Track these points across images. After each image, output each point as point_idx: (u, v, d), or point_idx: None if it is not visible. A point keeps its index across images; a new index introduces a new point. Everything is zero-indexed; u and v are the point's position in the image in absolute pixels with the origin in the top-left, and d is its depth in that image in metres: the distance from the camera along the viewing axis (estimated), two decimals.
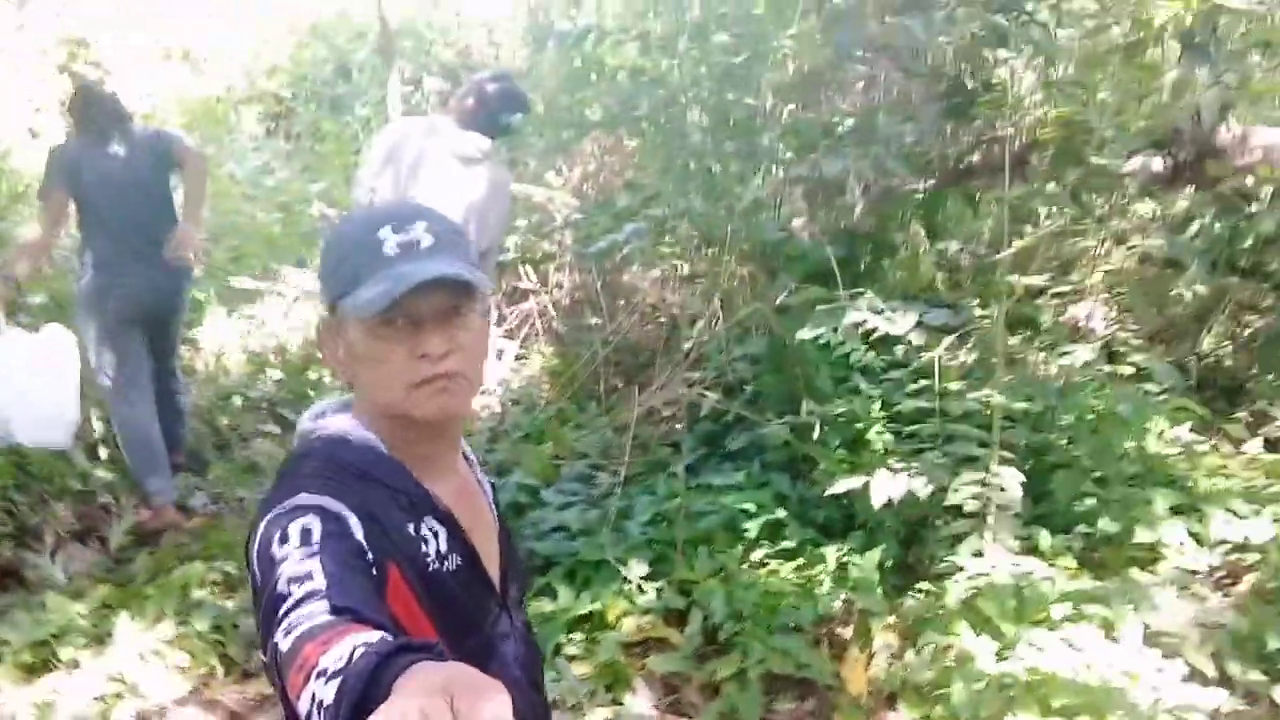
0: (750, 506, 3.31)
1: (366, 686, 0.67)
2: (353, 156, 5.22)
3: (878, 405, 3.74)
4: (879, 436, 3.52)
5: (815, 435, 3.30)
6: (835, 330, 2.68)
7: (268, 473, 4.12)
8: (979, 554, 2.99)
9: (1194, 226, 4.71)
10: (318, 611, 0.84)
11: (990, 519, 2.91)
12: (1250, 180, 4.06)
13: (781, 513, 3.33)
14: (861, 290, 3.06)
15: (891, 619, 2.98)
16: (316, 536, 0.95)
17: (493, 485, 1.31)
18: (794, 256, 3.78)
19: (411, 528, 1.09)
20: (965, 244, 5.12)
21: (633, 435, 3.81)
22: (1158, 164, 3.53)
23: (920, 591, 3.11)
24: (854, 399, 3.56)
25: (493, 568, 1.22)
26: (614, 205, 3.66)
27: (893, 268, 4.46)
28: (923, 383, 3.19)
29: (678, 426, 4.52)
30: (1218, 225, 4.77)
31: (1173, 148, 3.32)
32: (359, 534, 1.00)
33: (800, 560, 3.21)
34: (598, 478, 3.78)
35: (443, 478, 1.16)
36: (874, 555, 3.10)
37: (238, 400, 4.68)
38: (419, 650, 0.71)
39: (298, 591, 0.87)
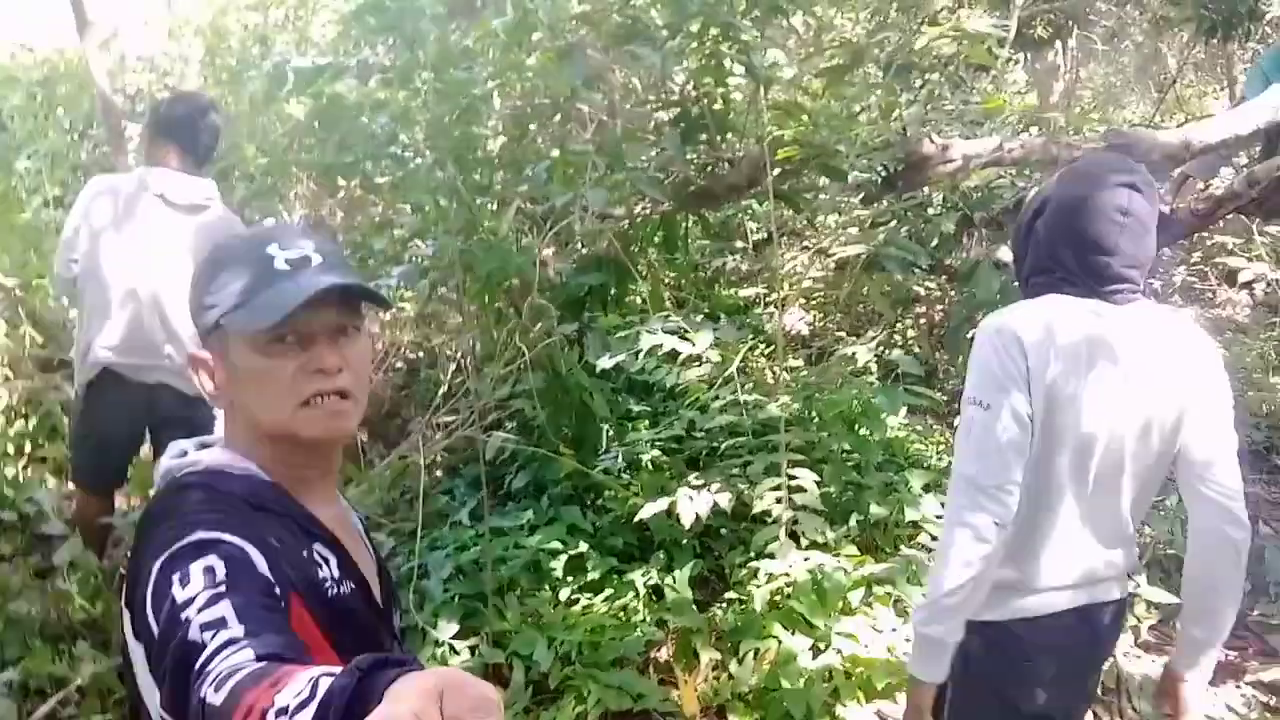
0: (554, 545, 3.22)
1: (351, 704, 0.63)
2: (20, 216, 4.49)
3: (645, 425, 3.82)
4: (649, 455, 3.59)
5: (606, 465, 3.29)
6: (638, 355, 2.68)
7: None
8: (770, 555, 3.10)
9: (883, 233, 5.26)
10: (244, 660, 0.78)
11: (786, 521, 3.03)
12: (932, 188, 4.61)
13: (582, 546, 3.28)
14: (626, 315, 3.11)
15: (709, 634, 3.03)
16: (221, 575, 0.89)
17: (364, 518, 1.29)
18: (549, 289, 3.76)
19: (305, 553, 1.05)
20: (694, 263, 5.38)
21: (409, 487, 3.58)
22: (870, 176, 3.90)
23: (726, 602, 3.18)
24: (630, 424, 3.60)
25: (375, 594, 1.18)
26: (369, 248, 3.43)
27: (636, 292, 4.57)
28: (721, 399, 3.25)
29: (439, 475, 4.34)
30: (904, 229, 5.37)
31: (885, 161, 3.67)
32: (262, 566, 0.95)
33: (608, 591, 3.17)
34: (375, 540, 3.51)
35: (325, 505, 1.14)
36: (684, 574, 3.13)
37: None
38: (399, 664, 0.67)
39: (213, 640, 0.81)
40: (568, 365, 3.57)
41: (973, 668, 1.78)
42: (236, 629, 0.82)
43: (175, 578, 0.89)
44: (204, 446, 1.12)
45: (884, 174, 3.86)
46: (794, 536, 3.10)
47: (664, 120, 3.92)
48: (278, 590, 0.95)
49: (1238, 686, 3.14)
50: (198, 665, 0.80)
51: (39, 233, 4.40)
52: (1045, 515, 1.71)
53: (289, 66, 3.00)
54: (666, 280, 5.39)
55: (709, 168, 4.15)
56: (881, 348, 5.01)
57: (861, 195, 4.09)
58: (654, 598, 3.17)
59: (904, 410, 4.23)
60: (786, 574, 3.06)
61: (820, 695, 2.74)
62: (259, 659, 0.78)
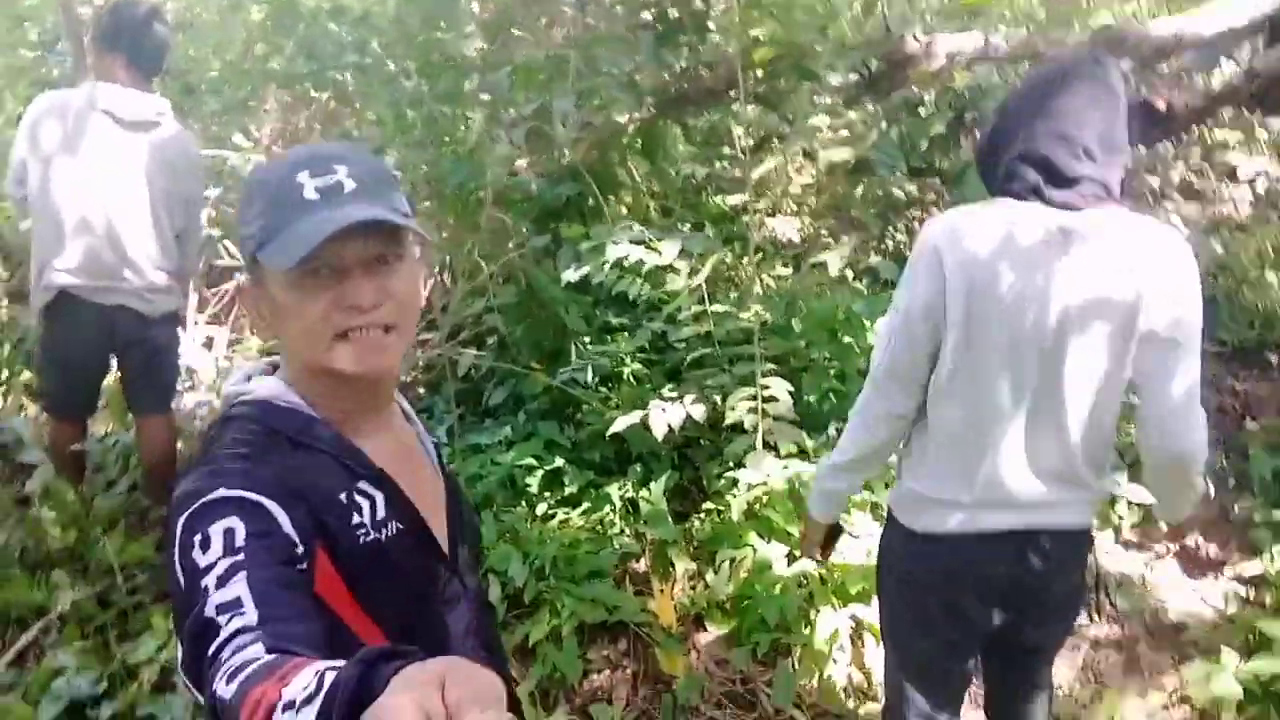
0: (530, 461, 3.20)
1: (356, 695, 0.63)
2: None
3: (625, 338, 3.76)
4: (630, 368, 3.54)
5: (580, 377, 3.24)
6: (604, 267, 2.60)
7: None
8: (741, 465, 3.07)
9: (874, 135, 5.11)
10: (255, 653, 0.78)
11: (761, 431, 2.99)
12: (921, 88, 4.46)
13: (559, 461, 3.26)
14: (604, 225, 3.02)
15: (685, 545, 3.02)
16: (240, 539, 0.89)
17: (436, 444, 1.24)
18: (522, 200, 3.66)
19: (344, 495, 1.03)
20: (677, 171, 5.24)
21: None
22: (853, 77, 3.76)
23: (704, 512, 3.17)
24: (610, 336, 3.54)
25: (439, 530, 1.15)
26: None
27: (617, 202, 4.46)
28: (694, 309, 3.18)
29: (421, 391, 4.30)
30: (894, 131, 5.22)
31: (866, 60, 3.53)
32: (285, 524, 0.94)
33: (585, 505, 3.16)
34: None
35: (377, 437, 1.10)
36: (659, 486, 3.11)
37: None
38: (404, 655, 0.67)
39: (228, 625, 0.81)
40: (542, 279, 3.50)
41: (906, 575, 1.82)
42: (251, 614, 0.82)
43: (196, 540, 0.89)
44: (273, 369, 1.11)
45: (867, 75, 3.73)
46: (772, 446, 3.08)
47: (643, 22, 3.77)
48: (300, 549, 0.94)
49: (1217, 579, 3.14)
50: (211, 651, 0.80)
51: (3, 151, 4.29)
52: (977, 432, 1.66)
53: None
54: (652, 190, 5.27)
55: (686, 72, 4.02)
56: (857, 254, 4.93)
57: (846, 98, 3.94)
58: (631, 511, 3.16)
59: None
60: (764, 484, 3.04)
61: (795, 601, 2.75)
62: (270, 650, 0.78)
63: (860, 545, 2.87)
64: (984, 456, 1.67)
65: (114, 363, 3.18)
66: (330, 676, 0.67)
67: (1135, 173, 6.20)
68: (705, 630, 2.86)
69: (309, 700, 0.67)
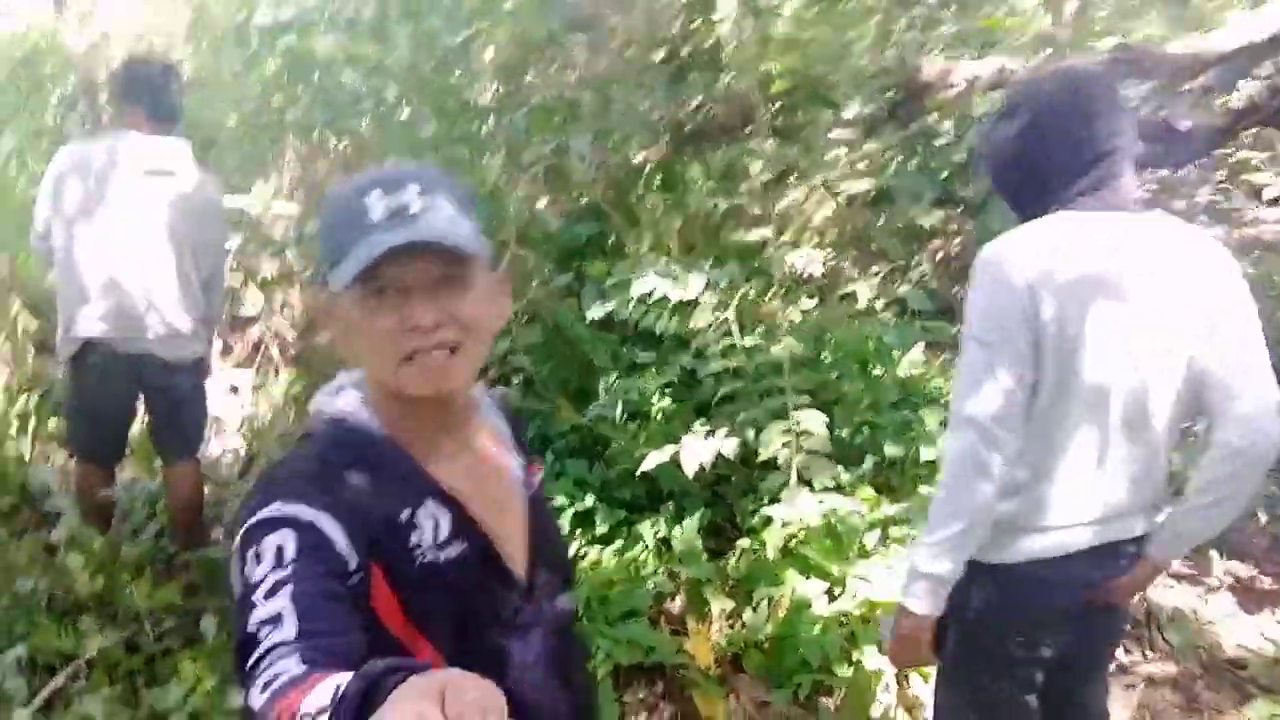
0: (560, 500, 3.15)
1: (359, 707, 0.64)
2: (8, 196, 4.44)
3: (653, 374, 3.72)
4: (658, 405, 3.49)
5: (609, 414, 3.19)
6: (629, 304, 2.57)
7: None
8: (775, 500, 3.01)
9: (893, 166, 5.09)
10: (288, 667, 0.80)
11: (796, 465, 2.93)
12: (940, 116, 4.44)
13: (589, 499, 3.20)
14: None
15: (721, 584, 2.96)
16: (290, 555, 0.91)
17: (522, 464, 1.20)
18: (543, 239, 3.65)
19: (405, 515, 1.02)
20: (698, 207, 5.22)
21: None
22: (871, 107, 3.74)
23: (739, 550, 3.10)
24: (637, 372, 3.50)
25: (514, 554, 1.13)
26: None
27: (638, 239, 4.45)
28: (722, 343, 3.14)
29: None
30: (913, 162, 5.20)
31: (883, 89, 3.51)
32: (339, 542, 0.95)
33: (618, 544, 3.10)
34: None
35: (451, 457, 1.10)
36: (692, 524, 3.05)
37: None
38: (410, 669, 0.66)
39: (267, 639, 0.83)
40: (567, 317, 3.47)
41: (982, 613, 1.71)
42: (290, 629, 0.84)
43: (250, 554, 0.92)
44: (360, 385, 1.12)
45: (886, 105, 3.71)
46: (807, 481, 3.01)
47: (655, 61, 3.78)
48: (353, 565, 0.95)
49: (1275, 612, 3.04)
50: (250, 663, 0.82)
51: (28, 212, 4.34)
52: (1060, 455, 1.61)
53: (253, 25, 2.88)
54: (672, 227, 5.26)
55: (702, 108, 4.01)
56: (885, 284, 4.87)
57: (865, 128, 3.92)
58: (664, 549, 3.09)
59: (921, 346, 4.11)
60: (799, 519, 2.98)
61: (836, 641, 2.67)
62: (304, 663, 0.80)
63: (899, 582, 2.79)
64: (1066, 478, 1.62)
65: (140, 410, 3.17)
66: (346, 684, 0.68)
67: (1161, 195, 6.14)
68: (743, 671, 2.78)
69: (322, 712, 0.68)
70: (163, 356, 3.00)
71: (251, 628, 0.85)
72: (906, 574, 1.69)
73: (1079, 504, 1.64)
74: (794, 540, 3.00)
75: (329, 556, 0.94)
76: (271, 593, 0.87)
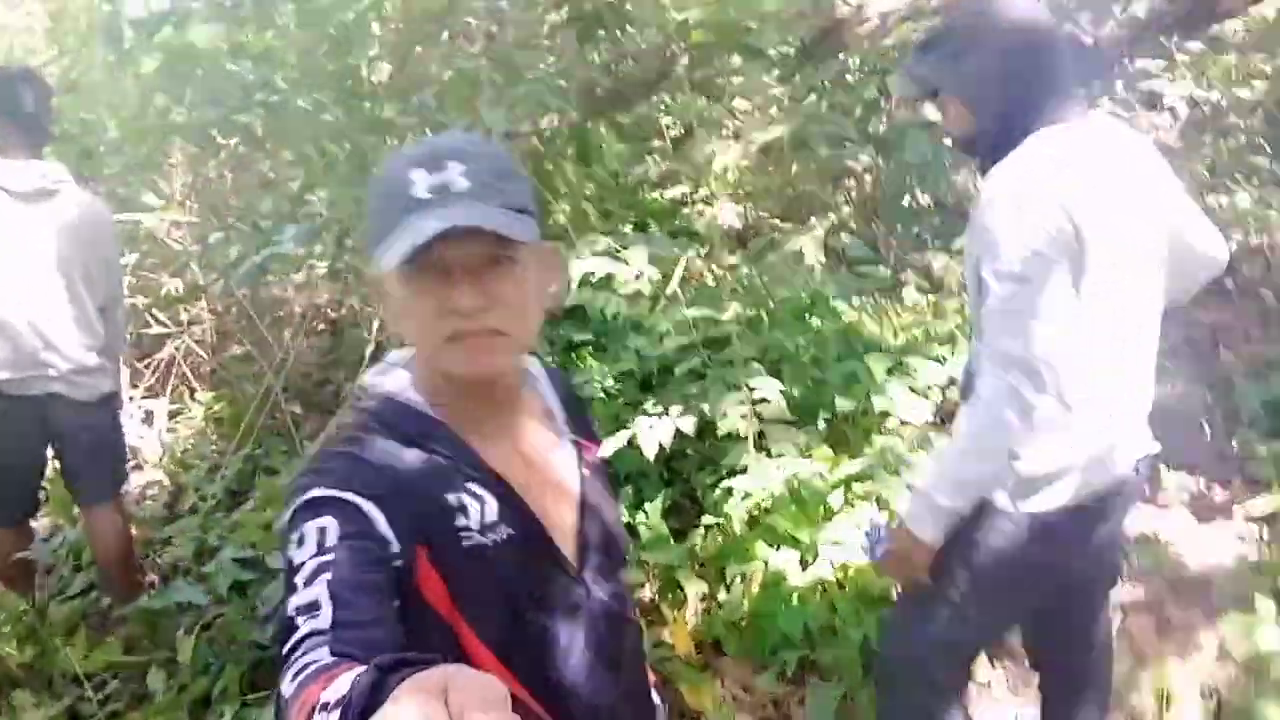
0: None
1: (368, 702, 0.64)
2: None
3: (590, 354, 3.59)
4: (601, 384, 3.37)
5: None
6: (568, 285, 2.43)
7: None
8: (741, 471, 2.94)
9: (806, 109, 5.00)
10: (319, 657, 0.81)
11: (752, 435, 2.86)
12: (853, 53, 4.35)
13: None
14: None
15: (691, 566, 2.88)
16: (332, 539, 0.92)
17: (576, 443, 1.18)
18: None
19: (451, 498, 1.02)
20: (615, 172, 5.07)
21: None
22: (788, 50, 3.63)
23: (704, 528, 3.03)
24: (575, 354, 3.37)
25: (565, 535, 1.12)
26: (256, 213, 3.10)
27: (555, 211, 4.28)
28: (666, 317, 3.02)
29: None
30: (824, 103, 5.11)
31: (801, 32, 3.40)
32: (381, 524, 0.96)
33: None
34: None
35: (497, 437, 1.09)
36: (655, 507, 2.96)
37: None
38: (419, 662, 0.67)
39: (303, 626, 0.84)
40: None
41: (998, 555, 1.69)
42: (325, 618, 0.84)
43: (294, 537, 0.93)
44: (410, 363, 1.11)
45: (799, 46, 3.60)
46: (764, 448, 2.94)
47: (557, 22, 3.59)
48: (395, 548, 0.95)
49: (1229, 521, 3.09)
50: (286, 650, 0.83)
51: None
52: (1091, 387, 1.59)
53: (125, 20, 2.62)
54: (587, 194, 5.10)
55: (613, 67, 3.85)
56: (817, 232, 4.80)
57: (777, 72, 3.80)
58: (629, 536, 2.99)
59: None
60: (762, 489, 2.90)
61: (817, 613, 2.62)
62: (335, 654, 0.81)
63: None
64: (1100, 410, 1.61)
65: (49, 456, 2.93)
66: (360, 675, 0.68)
67: None
68: (724, 655, 2.72)
69: (338, 704, 0.68)
70: (70, 396, 2.77)
71: (291, 611, 0.87)
72: (914, 498, 1.69)
73: (1104, 443, 1.64)
74: (759, 511, 2.93)
75: (370, 543, 0.94)
76: (311, 579, 0.89)
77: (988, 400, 1.54)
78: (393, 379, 1.09)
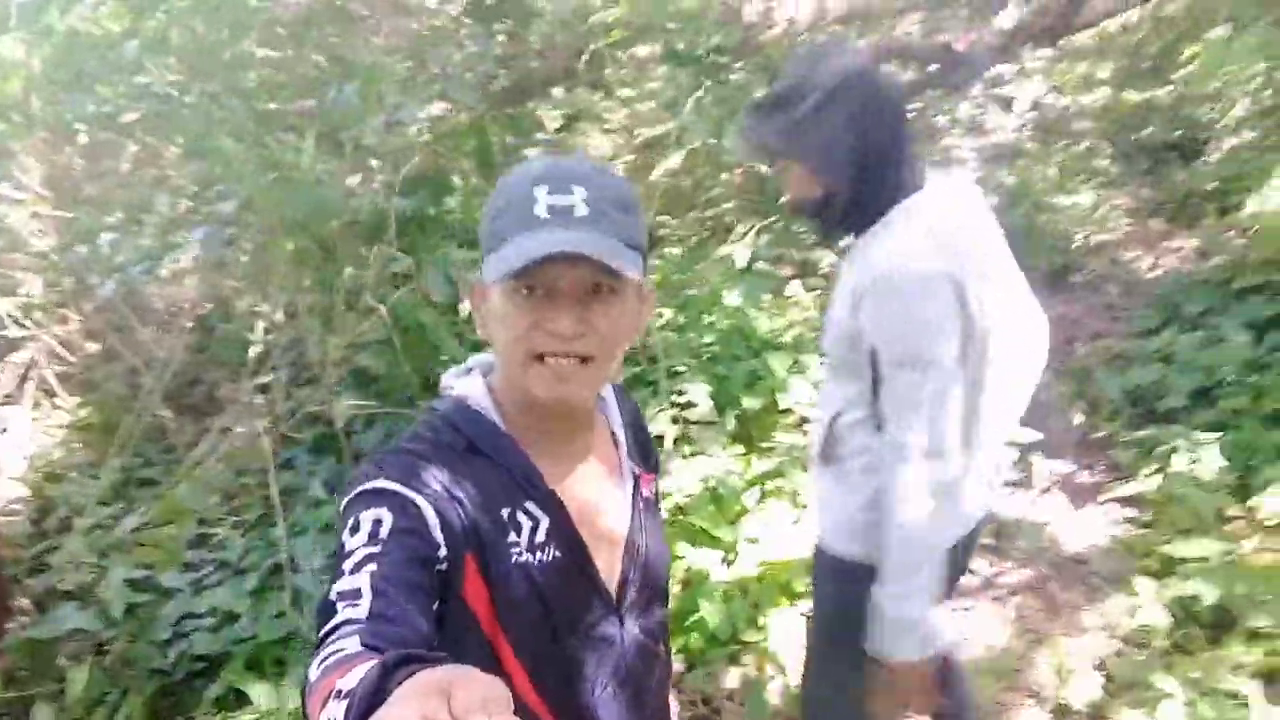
0: None
1: (372, 696, 0.65)
2: None
3: None
4: None
5: None
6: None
7: None
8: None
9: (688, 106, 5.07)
10: (348, 645, 0.82)
11: (672, 436, 2.91)
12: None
13: None
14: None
15: None
16: (385, 532, 0.93)
17: (635, 475, 1.17)
18: (371, 224, 3.36)
19: (506, 512, 1.04)
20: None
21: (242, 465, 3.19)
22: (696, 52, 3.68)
23: None
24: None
25: (609, 566, 1.12)
26: (151, 210, 2.90)
27: (454, 209, 4.20)
28: None
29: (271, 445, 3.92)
30: (709, 99, 5.20)
31: (711, 34, 3.46)
32: (434, 526, 0.97)
33: None
34: (218, 537, 3.13)
35: (561, 458, 1.10)
36: None
37: None
38: (425, 660, 0.68)
39: (341, 614, 0.86)
40: (402, 305, 3.23)
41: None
42: (363, 608, 0.86)
43: (350, 523, 0.94)
44: (489, 369, 1.12)
45: (710, 48, 3.66)
46: (681, 450, 3.00)
47: (458, 14, 3.51)
48: (443, 552, 0.96)
49: (1099, 504, 3.35)
50: (322, 634, 0.84)
51: None
52: (974, 436, 1.62)
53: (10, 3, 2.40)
54: (481, 189, 5.02)
55: (513, 60, 3.80)
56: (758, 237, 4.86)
57: (696, 72, 3.85)
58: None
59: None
60: (678, 489, 2.96)
61: (742, 609, 2.69)
62: (364, 645, 0.81)
63: (785, 536, 2.85)
64: (976, 456, 1.65)
65: None
66: (368, 668, 0.69)
67: (926, 112, 6.51)
68: None
69: (350, 693, 0.68)
70: None
71: (333, 595, 0.88)
72: (887, 629, 1.55)
73: (980, 488, 1.70)
74: (678, 511, 2.98)
75: (420, 542, 0.95)
76: (358, 567, 0.90)
77: (909, 496, 1.51)
78: (469, 384, 1.10)
